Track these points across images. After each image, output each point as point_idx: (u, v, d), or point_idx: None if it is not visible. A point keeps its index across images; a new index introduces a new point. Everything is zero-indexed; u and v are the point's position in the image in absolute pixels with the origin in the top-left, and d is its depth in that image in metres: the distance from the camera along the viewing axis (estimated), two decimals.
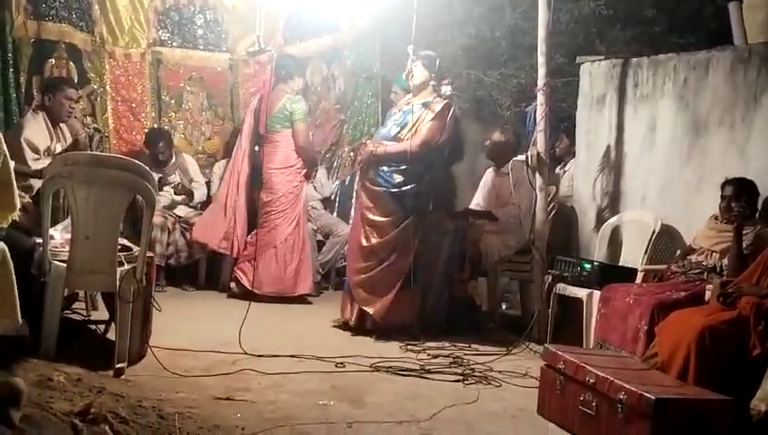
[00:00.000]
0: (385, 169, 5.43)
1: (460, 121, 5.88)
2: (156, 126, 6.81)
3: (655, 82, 5.67)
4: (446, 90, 5.62)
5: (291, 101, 6.31)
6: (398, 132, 5.47)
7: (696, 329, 3.84)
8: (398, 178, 5.39)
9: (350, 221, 6.57)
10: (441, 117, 5.39)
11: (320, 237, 6.98)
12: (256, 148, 6.56)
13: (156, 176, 6.35)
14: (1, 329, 3.61)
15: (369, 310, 5.41)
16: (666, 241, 5.34)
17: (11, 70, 6.17)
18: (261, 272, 6.22)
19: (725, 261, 4.54)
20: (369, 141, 5.78)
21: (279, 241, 6.32)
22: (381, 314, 5.40)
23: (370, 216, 5.47)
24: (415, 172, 5.38)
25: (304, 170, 6.45)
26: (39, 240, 4.24)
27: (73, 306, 4.97)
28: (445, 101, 5.46)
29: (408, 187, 5.37)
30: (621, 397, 3.48)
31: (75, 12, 6.48)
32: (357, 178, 6.13)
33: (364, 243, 5.47)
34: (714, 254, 4.66)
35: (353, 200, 6.52)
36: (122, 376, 4.04)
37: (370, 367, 4.63)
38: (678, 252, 5.09)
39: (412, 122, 5.44)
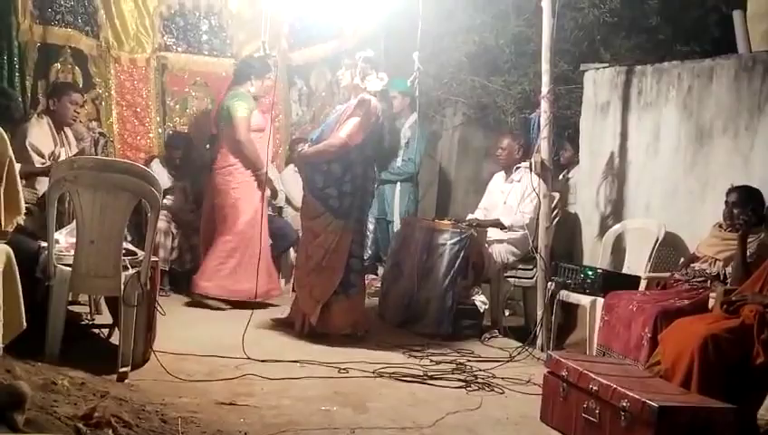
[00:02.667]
0: (308, 171, 5.40)
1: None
2: (175, 130, 6.81)
3: (659, 90, 5.67)
4: (375, 84, 5.38)
5: (230, 97, 6.09)
6: (321, 134, 5.42)
7: (700, 337, 3.84)
8: (319, 179, 5.31)
9: None
10: (356, 114, 5.28)
11: None
12: (207, 146, 6.62)
13: (169, 181, 6.44)
14: (7, 333, 3.62)
15: (309, 313, 5.35)
16: (669, 249, 5.34)
17: (17, 74, 6.19)
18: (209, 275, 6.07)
19: (729, 269, 4.54)
20: (295, 146, 5.87)
21: (218, 244, 6.07)
22: (316, 317, 5.31)
23: (304, 220, 5.50)
24: (333, 173, 5.28)
25: (248, 171, 6.09)
26: (44, 244, 4.26)
27: (77, 310, 4.98)
28: (359, 97, 5.33)
29: (329, 188, 5.28)
30: (624, 405, 3.48)
31: (81, 17, 6.50)
32: None
33: (304, 247, 5.47)
34: (717, 262, 4.66)
35: None
36: (126, 380, 4.05)
37: (373, 373, 4.63)
38: (682, 260, 5.08)
39: (334, 121, 5.40)
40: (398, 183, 7.05)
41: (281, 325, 5.65)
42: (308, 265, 5.38)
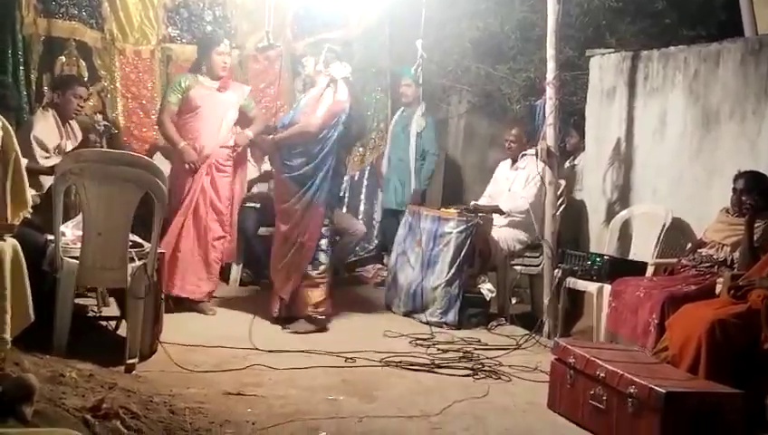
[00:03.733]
0: (285, 153, 5.41)
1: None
2: None
3: (665, 75, 5.64)
4: (339, 71, 5.41)
5: None
6: (293, 117, 5.45)
7: (707, 322, 3.84)
8: (297, 161, 5.36)
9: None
10: (328, 93, 5.37)
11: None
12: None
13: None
14: (15, 326, 3.63)
15: (284, 295, 5.39)
16: (676, 234, 5.32)
17: (21, 68, 6.19)
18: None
19: (736, 254, 4.53)
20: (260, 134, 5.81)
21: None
22: (289, 294, 5.38)
23: (280, 204, 5.48)
24: (310, 153, 5.33)
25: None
26: (50, 237, 4.27)
27: (84, 302, 5.00)
28: (329, 78, 5.40)
29: (306, 167, 5.32)
30: (632, 391, 3.48)
31: (85, 9, 6.48)
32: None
33: (281, 231, 5.46)
34: (724, 247, 4.64)
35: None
36: (133, 372, 4.06)
37: (380, 362, 4.64)
38: (689, 245, 5.07)
39: (306, 105, 5.42)
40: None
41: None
42: (284, 248, 5.41)
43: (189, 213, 5.55)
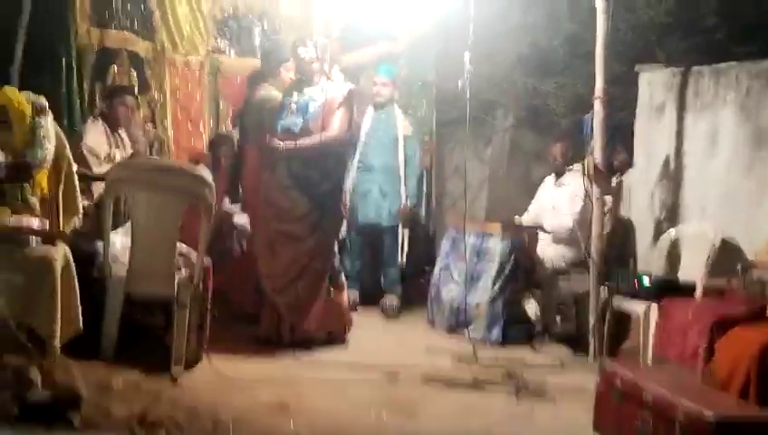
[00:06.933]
0: (296, 166, 5.07)
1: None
2: (220, 131, 6.84)
3: (716, 92, 5.55)
4: (339, 80, 5.26)
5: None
6: (304, 124, 5.10)
7: (757, 346, 3.75)
8: (313, 175, 5.05)
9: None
10: (348, 104, 5.14)
11: None
12: None
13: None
14: (64, 333, 3.69)
15: (293, 319, 5.08)
16: (726, 255, 5.20)
17: (74, 78, 6.31)
18: None
19: None
20: (268, 137, 5.22)
21: None
22: (310, 322, 5.09)
23: (278, 223, 5.10)
24: (327, 167, 5.09)
25: None
26: (100, 244, 4.33)
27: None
28: (349, 86, 5.21)
29: (323, 184, 5.07)
30: (679, 416, 3.41)
31: (137, 19, 6.60)
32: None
33: (283, 252, 5.08)
34: None
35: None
36: (178, 381, 4.10)
37: (423, 378, 4.61)
38: (739, 266, 4.96)
39: (318, 112, 5.10)
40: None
41: None
42: (291, 272, 5.06)
43: None
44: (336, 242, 5.32)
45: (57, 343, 3.65)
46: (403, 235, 6.59)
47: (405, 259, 6.68)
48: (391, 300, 6.31)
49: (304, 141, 5.07)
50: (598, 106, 5.37)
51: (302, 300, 5.09)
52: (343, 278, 5.42)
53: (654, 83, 6.05)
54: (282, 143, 5.08)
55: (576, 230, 5.74)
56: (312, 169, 5.08)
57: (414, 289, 6.62)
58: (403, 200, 6.38)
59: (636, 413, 3.65)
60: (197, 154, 6.48)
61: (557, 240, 5.93)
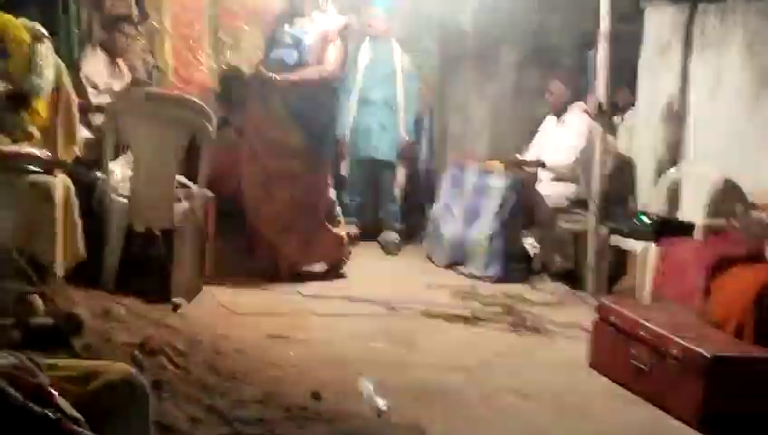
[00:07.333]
0: (290, 98, 5.00)
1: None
2: (229, 66, 6.68)
3: (722, 30, 5.47)
4: (332, 13, 5.18)
5: None
6: (299, 57, 5.03)
7: (755, 286, 3.77)
8: (308, 108, 4.99)
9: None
10: (343, 38, 5.10)
11: None
12: None
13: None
14: (67, 262, 3.70)
15: (293, 254, 5.11)
16: (727, 196, 5.19)
17: (72, 6, 6.18)
18: None
19: None
20: (261, 68, 5.13)
21: None
22: (307, 256, 5.15)
23: (274, 160, 5.02)
24: (321, 100, 5.07)
25: None
26: (101, 174, 4.31)
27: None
28: (343, 19, 5.13)
29: (317, 117, 5.05)
30: (675, 353, 3.45)
31: None
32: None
33: (279, 189, 5.05)
34: None
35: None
36: (179, 311, 4.12)
37: (422, 313, 4.64)
38: (740, 207, 4.96)
39: (313, 46, 5.03)
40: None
41: None
42: (286, 212, 5.06)
43: None
44: (331, 175, 5.30)
45: (58, 270, 3.66)
46: (403, 170, 6.56)
47: (405, 195, 6.67)
48: (391, 236, 6.31)
49: (302, 74, 5.01)
50: (603, 43, 5.29)
51: (298, 236, 5.10)
52: (339, 211, 5.41)
53: (659, 21, 5.94)
54: (275, 75, 4.99)
55: (577, 168, 5.71)
56: (306, 100, 5.03)
57: (414, 225, 6.62)
58: (402, 135, 6.34)
59: (632, 350, 3.70)
60: (206, 90, 6.37)
61: (557, 178, 5.91)
